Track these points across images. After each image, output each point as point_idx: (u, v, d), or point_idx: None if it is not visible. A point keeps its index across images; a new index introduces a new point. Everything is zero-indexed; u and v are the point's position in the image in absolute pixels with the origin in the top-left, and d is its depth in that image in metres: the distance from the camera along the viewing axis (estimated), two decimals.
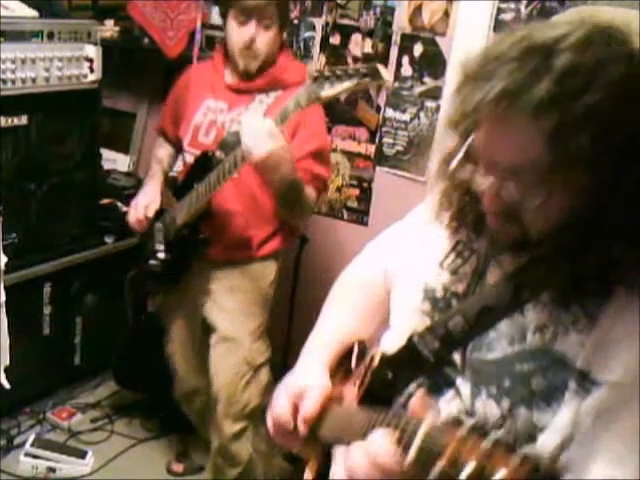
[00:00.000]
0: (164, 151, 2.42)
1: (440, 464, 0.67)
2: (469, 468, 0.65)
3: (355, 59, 2.68)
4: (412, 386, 0.97)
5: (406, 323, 1.00)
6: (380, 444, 0.79)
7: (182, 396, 2.54)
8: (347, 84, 1.59)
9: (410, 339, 0.96)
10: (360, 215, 2.77)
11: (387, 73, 1.59)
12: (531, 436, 0.85)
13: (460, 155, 0.88)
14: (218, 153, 2.06)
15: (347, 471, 0.83)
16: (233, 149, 1.93)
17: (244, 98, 2.15)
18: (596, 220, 0.81)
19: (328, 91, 1.62)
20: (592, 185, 0.80)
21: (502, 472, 0.64)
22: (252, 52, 2.08)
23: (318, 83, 1.63)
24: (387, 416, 0.84)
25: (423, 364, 0.94)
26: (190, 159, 2.21)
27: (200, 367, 2.45)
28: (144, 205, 2.25)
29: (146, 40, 3.04)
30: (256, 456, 2.37)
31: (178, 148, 2.36)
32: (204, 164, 2.09)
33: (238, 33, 2.07)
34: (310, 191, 2.07)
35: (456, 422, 0.71)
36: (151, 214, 2.23)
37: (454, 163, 0.89)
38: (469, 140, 0.87)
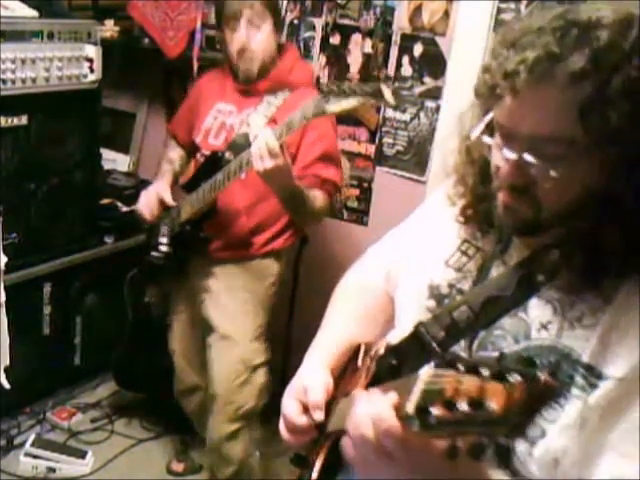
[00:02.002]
0: (175, 153, 2.43)
1: (436, 409, 0.66)
2: (464, 404, 0.64)
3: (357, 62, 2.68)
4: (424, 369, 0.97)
5: (411, 320, 1.00)
6: (380, 398, 0.75)
7: (180, 392, 2.55)
8: (352, 102, 1.63)
9: (416, 328, 0.96)
10: (360, 215, 2.77)
11: (390, 94, 1.62)
12: (542, 432, 0.85)
13: (482, 125, 0.88)
14: (227, 154, 2.08)
15: (351, 430, 0.78)
16: (242, 150, 1.93)
17: (252, 100, 2.16)
18: (611, 203, 0.81)
19: (333, 107, 1.65)
20: (611, 164, 0.80)
21: (495, 402, 0.64)
22: (248, 55, 2.09)
23: (325, 97, 1.66)
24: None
25: (428, 353, 0.94)
26: (201, 160, 2.23)
27: (199, 364, 2.46)
28: (156, 192, 2.25)
29: (146, 40, 3.04)
30: (254, 458, 2.37)
31: (189, 152, 2.38)
32: (213, 164, 2.11)
33: (232, 39, 2.10)
34: (319, 196, 2.07)
35: (451, 364, 0.68)
36: (168, 198, 2.23)
37: (476, 132, 0.89)
38: (490, 114, 0.87)
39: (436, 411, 0.65)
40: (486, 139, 0.89)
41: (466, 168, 0.97)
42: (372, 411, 0.75)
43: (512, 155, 0.84)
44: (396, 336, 1.04)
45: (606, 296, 0.84)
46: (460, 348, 0.95)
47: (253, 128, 2.10)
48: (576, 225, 0.84)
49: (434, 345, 0.94)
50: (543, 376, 0.66)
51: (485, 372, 0.66)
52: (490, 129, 0.88)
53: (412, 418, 0.67)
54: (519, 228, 0.91)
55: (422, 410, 0.67)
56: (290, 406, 1.07)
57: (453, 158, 0.99)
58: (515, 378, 0.65)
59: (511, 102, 0.82)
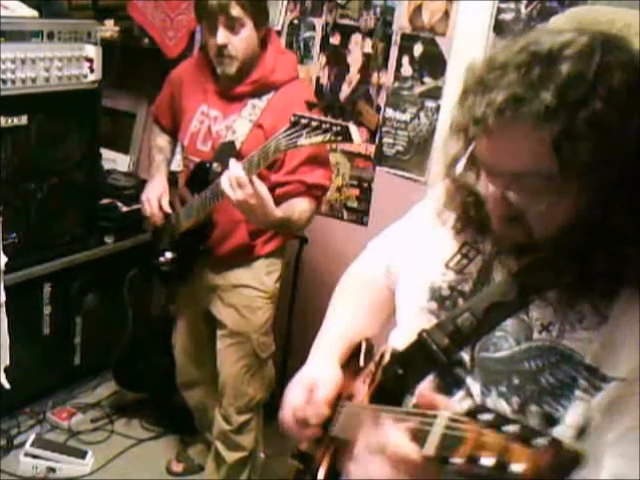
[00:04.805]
0: (163, 140, 2.42)
1: (458, 459, 0.66)
2: (488, 462, 0.63)
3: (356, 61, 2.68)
4: (423, 384, 0.97)
5: (413, 322, 1.00)
6: (395, 435, 0.78)
7: (181, 385, 2.58)
8: (320, 138, 1.64)
9: (420, 336, 0.97)
10: (360, 215, 2.77)
11: (357, 135, 1.64)
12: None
13: (463, 161, 0.89)
14: (215, 165, 2.05)
15: (359, 464, 0.82)
16: (228, 159, 1.92)
17: (236, 104, 2.11)
18: (602, 223, 0.82)
19: (304, 141, 1.67)
20: (597, 190, 0.80)
21: (520, 466, 0.62)
22: (226, 58, 2.03)
23: (297, 130, 1.66)
24: (400, 411, 0.84)
25: (433, 361, 0.95)
26: (190, 165, 2.21)
27: (199, 360, 2.48)
28: (157, 197, 2.25)
29: (146, 40, 3.04)
30: (260, 448, 2.44)
31: (174, 136, 2.37)
32: (201, 175, 2.09)
33: (210, 41, 2.04)
34: (304, 206, 2.05)
35: (471, 414, 0.69)
36: (166, 206, 2.24)
37: (458, 169, 0.90)
38: (471, 147, 0.87)
39: (457, 460, 0.66)
40: (470, 176, 0.89)
41: (455, 193, 0.98)
42: (387, 439, 0.78)
43: (496, 190, 0.85)
44: (398, 337, 1.05)
45: (607, 299, 0.84)
46: (462, 350, 0.95)
47: (239, 135, 2.07)
48: (569, 243, 0.85)
49: (439, 353, 0.94)
50: (570, 443, 0.64)
51: (509, 429, 0.65)
52: (474, 159, 0.88)
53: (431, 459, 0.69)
54: (515, 250, 0.92)
55: (441, 456, 0.68)
56: (296, 397, 1.08)
57: (441, 185, 1.00)
58: (541, 443, 0.63)
59: (486, 142, 0.83)
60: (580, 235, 0.83)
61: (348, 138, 1.62)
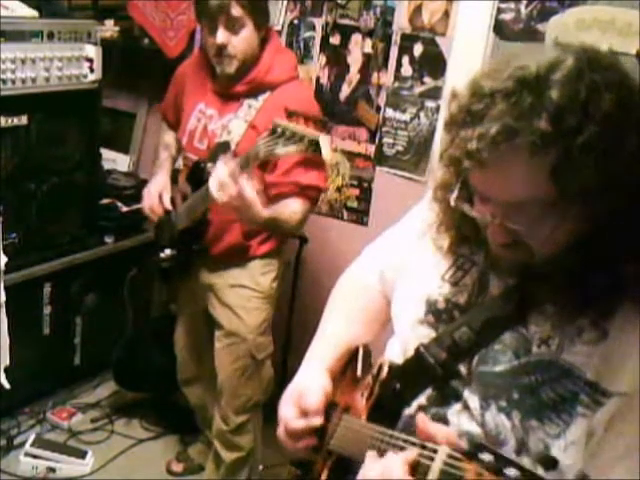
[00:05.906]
0: (170, 137, 2.43)
1: None
2: None
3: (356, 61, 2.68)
4: (421, 398, 0.97)
5: (411, 335, 1.00)
6: (396, 469, 0.77)
7: (182, 381, 2.59)
8: (294, 148, 1.62)
9: (417, 350, 0.97)
10: (360, 215, 2.77)
11: (328, 149, 1.60)
12: (546, 447, 0.85)
13: (456, 192, 0.88)
14: (210, 165, 2.05)
15: None
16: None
17: (232, 104, 2.11)
18: (603, 241, 0.81)
19: (280, 150, 1.66)
20: (598, 211, 0.80)
21: None
22: (225, 57, 2.03)
23: (275, 138, 1.65)
24: (400, 438, 0.84)
25: (431, 375, 0.95)
26: (189, 163, 2.22)
27: (199, 357, 2.49)
28: (158, 192, 2.26)
29: (146, 40, 3.05)
30: (259, 448, 2.43)
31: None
32: (197, 174, 2.10)
33: (209, 40, 2.03)
34: (298, 207, 2.04)
35: (471, 453, 0.69)
36: (166, 202, 2.24)
37: (452, 201, 0.89)
38: (462, 177, 0.86)
39: None
40: (466, 207, 0.88)
41: (449, 215, 0.97)
42: (389, 473, 0.78)
43: (495, 220, 0.84)
44: (396, 348, 1.05)
45: (606, 312, 0.84)
46: (460, 364, 0.95)
47: (234, 135, 2.07)
48: (568, 264, 0.84)
49: (436, 367, 0.94)
50: None
51: (509, 473, 0.64)
52: (467, 187, 0.87)
53: None
54: (516, 272, 0.91)
55: None
56: (287, 410, 1.08)
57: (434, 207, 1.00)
58: None
59: (480, 173, 0.82)
60: (580, 254, 0.83)
61: (318, 151, 1.60)
